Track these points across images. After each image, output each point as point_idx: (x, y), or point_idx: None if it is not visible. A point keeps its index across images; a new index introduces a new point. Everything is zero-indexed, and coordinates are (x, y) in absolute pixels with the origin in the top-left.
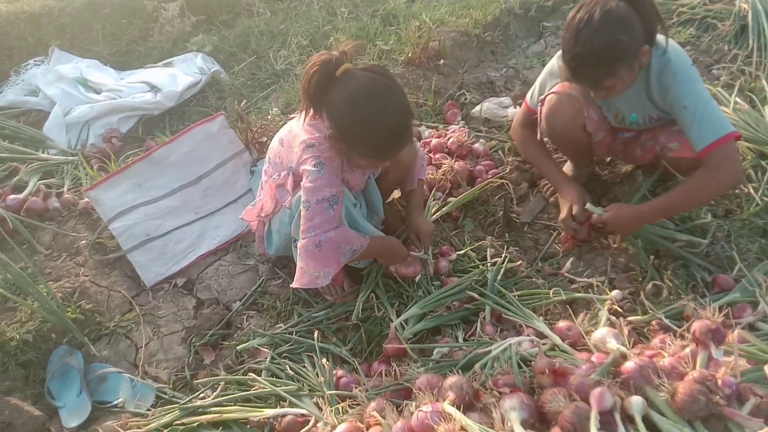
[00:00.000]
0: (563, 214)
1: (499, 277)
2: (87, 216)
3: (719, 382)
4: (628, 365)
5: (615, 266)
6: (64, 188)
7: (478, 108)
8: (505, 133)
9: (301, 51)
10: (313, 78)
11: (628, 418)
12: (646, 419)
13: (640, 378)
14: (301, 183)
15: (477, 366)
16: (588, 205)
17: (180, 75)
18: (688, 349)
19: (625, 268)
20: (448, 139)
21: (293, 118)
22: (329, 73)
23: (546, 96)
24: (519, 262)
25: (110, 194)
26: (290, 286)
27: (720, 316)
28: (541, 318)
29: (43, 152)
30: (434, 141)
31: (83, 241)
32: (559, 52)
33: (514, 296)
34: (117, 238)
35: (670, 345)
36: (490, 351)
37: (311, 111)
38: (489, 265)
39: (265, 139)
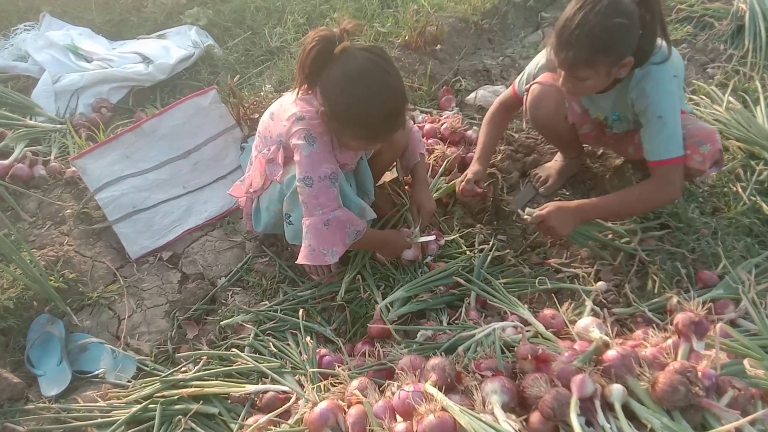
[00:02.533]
0: (461, 184)
1: (486, 264)
2: (73, 185)
3: (699, 373)
4: (610, 354)
5: (601, 258)
6: (51, 156)
7: (472, 95)
8: None
9: (297, 29)
10: (311, 53)
11: (608, 406)
12: (626, 407)
13: (622, 367)
14: (294, 158)
15: (460, 349)
16: (527, 210)
17: (173, 47)
18: (670, 341)
19: (610, 261)
20: (442, 125)
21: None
22: (327, 50)
23: (530, 86)
24: (506, 251)
25: (98, 164)
26: (295, 262)
27: (703, 311)
28: (525, 306)
29: (30, 119)
30: (427, 126)
31: (68, 211)
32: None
33: (500, 283)
34: (103, 208)
35: (652, 336)
36: (473, 335)
37: (305, 86)
38: (476, 251)
39: (256, 115)
